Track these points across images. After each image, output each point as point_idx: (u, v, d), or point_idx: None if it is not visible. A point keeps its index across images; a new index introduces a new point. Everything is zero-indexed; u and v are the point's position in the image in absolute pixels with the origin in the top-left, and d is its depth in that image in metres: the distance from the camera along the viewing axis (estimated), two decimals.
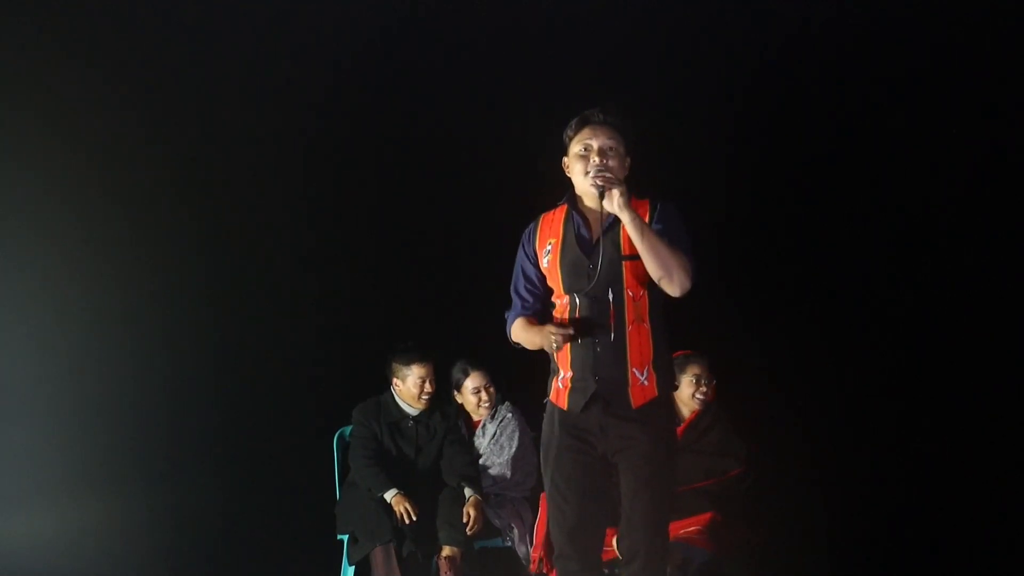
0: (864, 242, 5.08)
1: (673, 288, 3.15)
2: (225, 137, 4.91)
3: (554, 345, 3.21)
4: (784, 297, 5.03)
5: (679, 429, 4.35)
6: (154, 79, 4.84)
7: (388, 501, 4.37)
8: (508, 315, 3.43)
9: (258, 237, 5.03)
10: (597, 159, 3.20)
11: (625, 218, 3.13)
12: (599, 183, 3.14)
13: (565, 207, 3.35)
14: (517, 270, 3.42)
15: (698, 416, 4.40)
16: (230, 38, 4.82)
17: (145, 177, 4.88)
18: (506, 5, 4.92)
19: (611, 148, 3.24)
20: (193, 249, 4.95)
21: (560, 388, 3.29)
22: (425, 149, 5.10)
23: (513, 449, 4.66)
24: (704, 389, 4.39)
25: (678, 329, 3.33)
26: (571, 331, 3.19)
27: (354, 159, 5.09)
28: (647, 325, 3.23)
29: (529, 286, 3.39)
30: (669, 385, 3.35)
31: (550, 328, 3.21)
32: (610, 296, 3.20)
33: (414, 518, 4.30)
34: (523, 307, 3.39)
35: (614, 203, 3.13)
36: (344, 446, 4.69)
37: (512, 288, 3.42)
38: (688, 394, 4.38)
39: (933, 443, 4.87)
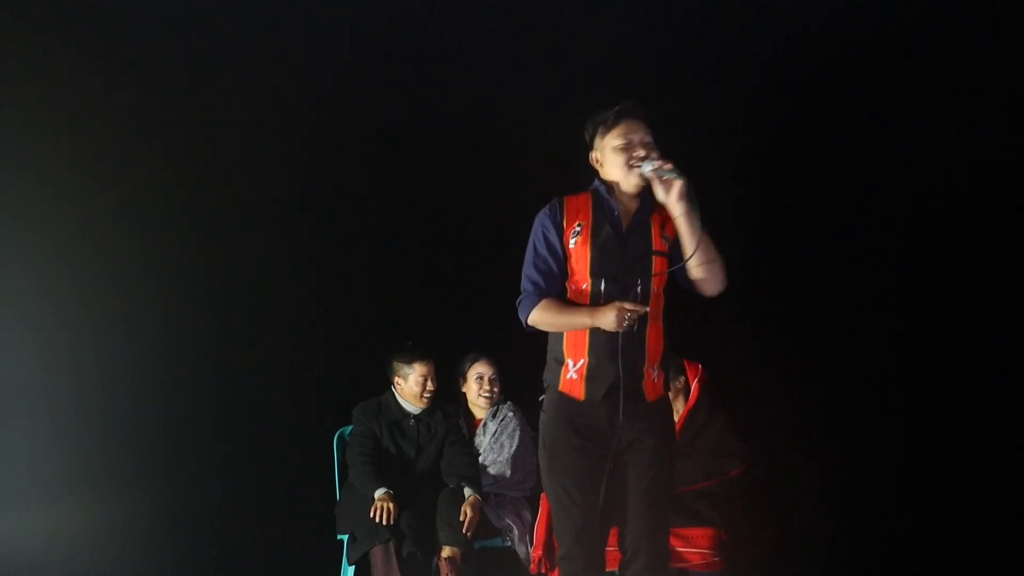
0: (863, 239, 5.09)
1: (714, 286, 3.18)
2: (225, 135, 4.91)
3: (625, 324, 3.10)
4: (783, 295, 5.03)
5: None
6: (155, 78, 4.84)
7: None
8: (521, 300, 3.27)
9: (258, 236, 5.03)
10: (643, 151, 3.19)
11: (681, 210, 3.11)
12: (666, 168, 3.10)
13: (590, 195, 3.30)
14: (535, 249, 3.26)
15: (690, 416, 4.38)
16: (231, 37, 4.83)
17: (145, 176, 4.88)
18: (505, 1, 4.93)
19: (649, 143, 3.24)
20: (193, 249, 4.95)
21: (574, 378, 3.25)
22: (426, 148, 5.10)
23: (514, 448, 4.66)
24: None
25: (679, 326, 3.32)
26: (647, 308, 3.14)
27: (355, 158, 5.09)
28: (660, 323, 3.26)
29: (552, 262, 3.22)
30: (667, 385, 3.38)
31: (624, 304, 3.10)
32: (639, 288, 3.19)
33: (392, 520, 4.28)
34: (546, 287, 3.23)
35: (673, 193, 3.11)
36: (344, 446, 4.69)
37: (531, 267, 3.26)
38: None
39: (935, 440, 4.87)
